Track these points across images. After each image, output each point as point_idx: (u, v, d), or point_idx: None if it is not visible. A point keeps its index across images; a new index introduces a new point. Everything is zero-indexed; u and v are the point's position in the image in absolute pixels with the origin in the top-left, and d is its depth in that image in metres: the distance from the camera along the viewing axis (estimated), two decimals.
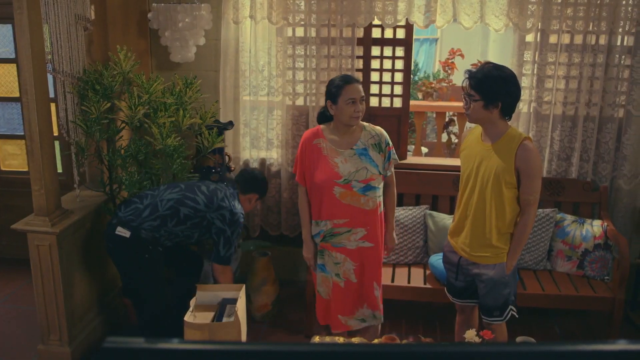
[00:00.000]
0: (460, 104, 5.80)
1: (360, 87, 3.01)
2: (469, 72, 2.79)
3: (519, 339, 2.82)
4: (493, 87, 2.69)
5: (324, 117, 3.13)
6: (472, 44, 8.67)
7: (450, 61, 6.00)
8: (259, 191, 3.57)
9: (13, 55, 4.47)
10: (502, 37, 8.57)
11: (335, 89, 2.98)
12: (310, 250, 3.17)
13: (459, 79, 6.19)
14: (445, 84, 6.07)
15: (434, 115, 7.27)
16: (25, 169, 4.71)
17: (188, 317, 3.07)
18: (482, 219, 2.84)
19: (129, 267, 3.37)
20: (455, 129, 6.20)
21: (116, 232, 3.22)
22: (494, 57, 8.21)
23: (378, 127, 3.12)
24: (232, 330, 3.08)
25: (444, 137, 6.22)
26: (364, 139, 3.05)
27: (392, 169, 3.16)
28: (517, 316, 2.97)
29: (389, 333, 3.89)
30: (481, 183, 2.81)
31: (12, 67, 4.50)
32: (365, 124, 3.11)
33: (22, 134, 4.63)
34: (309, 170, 3.08)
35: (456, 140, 6.18)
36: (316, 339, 2.77)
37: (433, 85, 6.13)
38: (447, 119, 6.20)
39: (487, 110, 2.73)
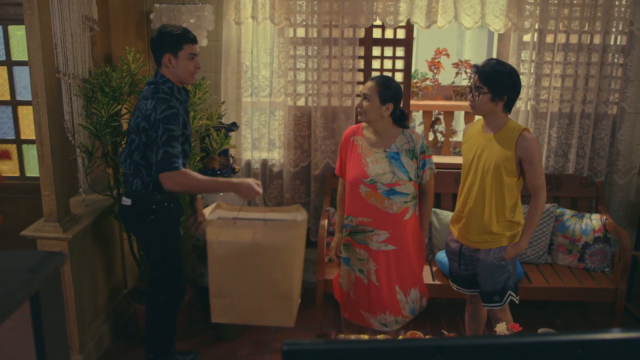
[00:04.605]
0: (448, 102, 5.98)
1: (368, 84, 3.06)
2: (477, 66, 2.98)
3: (540, 330, 2.90)
4: (500, 81, 2.88)
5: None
6: (448, 44, 8.78)
7: (436, 60, 6.09)
8: (164, 46, 2.90)
9: (4, 58, 4.34)
10: (477, 37, 8.74)
11: None
12: (336, 242, 3.26)
13: (444, 78, 6.34)
14: (431, 83, 6.16)
15: (416, 114, 7.39)
16: (17, 174, 4.59)
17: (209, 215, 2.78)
18: (482, 205, 2.99)
19: (140, 236, 3.21)
20: (441, 127, 6.29)
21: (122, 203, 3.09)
22: (469, 56, 8.37)
23: (416, 133, 3.13)
24: (297, 234, 2.73)
25: (430, 135, 6.30)
26: (398, 143, 3.09)
27: (428, 178, 3.16)
28: (517, 302, 3.11)
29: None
30: (482, 171, 2.97)
31: (3, 70, 4.36)
32: (406, 129, 3.13)
33: (13, 137, 4.51)
34: (345, 165, 3.19)
35: (442, 139, 6.28)
36: (341, 336, 2.79)
37: (418, 84, 6.21)
38: (433, 118, 6.29)
39: (493, 103, 2.91)
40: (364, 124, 3.17)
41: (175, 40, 2.91)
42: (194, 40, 2.95)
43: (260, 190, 2.86)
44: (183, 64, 2.92)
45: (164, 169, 2.78)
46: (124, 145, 3.13)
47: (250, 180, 2.88)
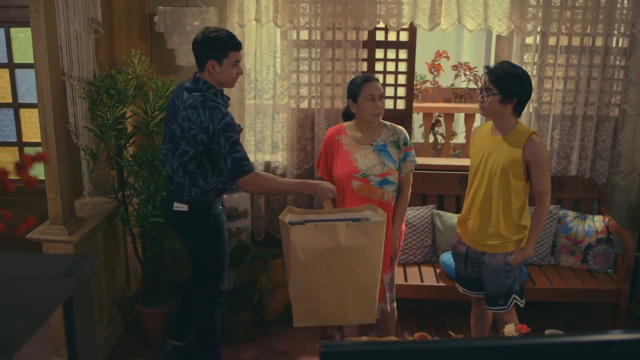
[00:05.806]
0: (448, 104, 6.00)
1: (379, 85, 3.16)
2: (488, 67, 2.99)
3: (547, 332, 2.91)
4: (511, 84, 2.89)
5: (347, 116, 3.29)
6: (446, 46, 8.80)
7: (436, 63, 6.11)
8: (208, 52, 2.86)
9: (6, 60, 4.32)
10: (476, 39, 8.76)
11: (356, 88, 3.13)
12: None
13: (444, 80, 6.35)
14: (431, 85, 6.18)
15: (416, 116, 7.41)
16: (18, 177, 4.56)
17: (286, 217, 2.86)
18: (489, 208, 3.01)
19: (194, 240, 3.16)
20: (441, 129, 6.32)
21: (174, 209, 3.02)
22: (468, 59, 8.38)
23: (400, 127, 3.24)
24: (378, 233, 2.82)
25: (431, 137, 6.32)
26: (384, 136, 3.18)
27: (408, 170, 3.21)
28: (521, 305, 3.13)
29: (401, 331, 3.95)
30: (489, 174, 2.98)
31: (5, 72, 4.35)
32: (387, 122, 3.23)
33: (15, 140, 4.49)
34: (331, 165, 3.22)
35: (442, 141, 6.30)
36: (352, 339, 2.79)
37: (418, 86, 6.23)
38: (433, 120, 6.31)
39: (502, 105, 2.92)
40: (345, 123, 3.26)
41: (221, 46, 2.86)
42: (239, 46, 2.92)
43: (335, 191, 3.01)
44: (227, 70, 2.89)
45: (238, 175, 2.84)
46: (163, 152, 3.04)
47: (327, 183, 3.02)
